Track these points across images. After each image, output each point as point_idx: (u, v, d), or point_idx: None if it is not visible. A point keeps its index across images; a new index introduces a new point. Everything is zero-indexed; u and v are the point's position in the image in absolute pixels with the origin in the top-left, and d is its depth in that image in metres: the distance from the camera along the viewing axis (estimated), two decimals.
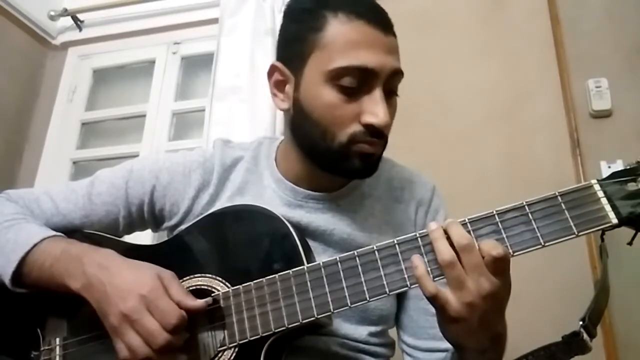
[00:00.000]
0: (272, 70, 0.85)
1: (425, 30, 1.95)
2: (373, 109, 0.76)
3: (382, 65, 0.76)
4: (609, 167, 1.62)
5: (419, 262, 0.66)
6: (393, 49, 0.79)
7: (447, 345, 0.85)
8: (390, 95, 0.80)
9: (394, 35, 0.80)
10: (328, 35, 0.77)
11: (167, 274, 0.74)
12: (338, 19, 0.77)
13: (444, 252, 0.64)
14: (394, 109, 0.82)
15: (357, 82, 0.76)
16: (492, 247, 0.62)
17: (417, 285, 0.67)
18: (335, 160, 0.80)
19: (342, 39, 0.76)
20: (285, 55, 0.84)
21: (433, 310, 0.87)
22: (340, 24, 0.77)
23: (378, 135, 0.78)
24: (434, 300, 0.65)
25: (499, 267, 0.62)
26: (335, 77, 0.76)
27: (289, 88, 0.83)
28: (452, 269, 0.63)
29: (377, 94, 0.76)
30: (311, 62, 0.79)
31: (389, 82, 0.78)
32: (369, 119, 0.76)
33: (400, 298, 0.91)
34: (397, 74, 0.79)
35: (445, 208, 0.94)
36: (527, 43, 1.87)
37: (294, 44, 0.81)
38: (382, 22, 0.78)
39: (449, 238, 0.65)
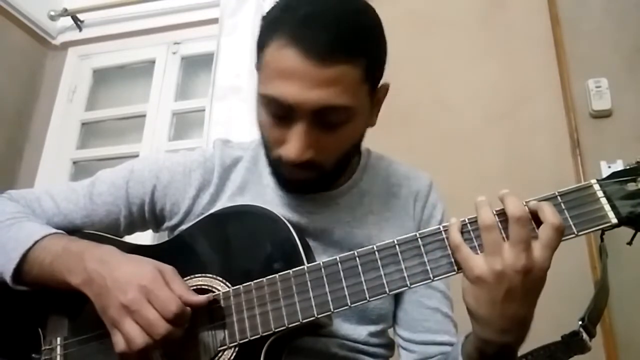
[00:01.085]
0: None
1: (425, 30, 1.95)
2: (288, 142, 0.74)
3: (301, 101, 0.71)
4: (609, 167, 1.62)
5: (455, 220, 0.67)
6: (327, 82, 0.71)
7: (442, 338, 0.86)
8: (329, 127, 0.75)
9: (337, 65, 0.71)
10: (265, 58, 0.75)
11: (168, 269, 0.74)
12: (275, 42, 0.73)
13: (486, 217, 0.64)
14: (336, 139, 0.77)
15: (280, 111, 0.75)
16: (552, 215, 0.63)
17: (417, 285, 0.67)
18: (275, 172, 0.83)
19: (270, 66, 0.74)
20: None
21: (428, 303, 0.88)
22: (274, 50, 0.73)
23: (299, 165, 0.76)
24: (457, 253, 0.65)
25: (552, 238, 0.62)
26: (263, 101, 0.76)
27: None
28: (490, 232, 0.63)
29: (297, 128, 0.73)
30: (258, 78, 0.79)
31: (321, 116, 0.73)
32: (282, 151, 0.76)
33: (398, 294, 0.90)
34: (331, 110, 0.73)
35: (443, 203, 0.94)
36: (527, 43, 1.87)
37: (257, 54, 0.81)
38: (319, 52, 0.70)
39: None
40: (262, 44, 0.76)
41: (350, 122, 0.76)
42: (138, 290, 0.69)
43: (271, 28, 0.75)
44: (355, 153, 0.86)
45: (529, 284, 0.63)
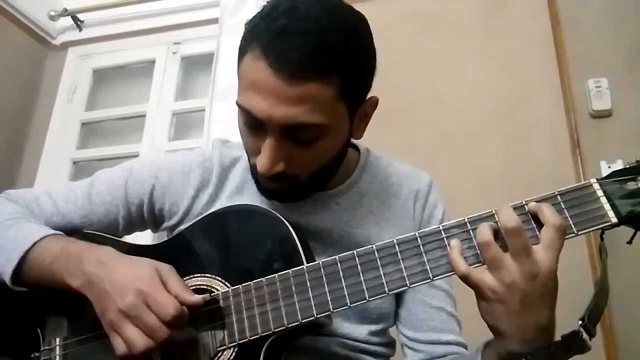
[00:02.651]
0: None
1: (425, 30, 1.95)
2: (261, 154, 0.74)
3: (270, 116, 0.71)
4: (609, 167, 1.62)
5: (455, 243, 0.66)
6: (296, 99, 0.69)
7: (447, 337, 0.85)
8: (302, 142, 0.74)
9: (307, 83, 0.69)
10: (241, 66, 0.75)
11: (165, 268, 0.74)
12: (251, 53, 0.72)
13: (482, 234, 0.64)
14: (310, 154, 0.76)
15: (253, 123, 0.74)
16: (553, 216, 0.63)
17: (416, 284, 0.67)
18: (255, 179, 0.82)
19: (244, 77, 0.73)
20: None
21: (432, 302, 0.88)
22: (249, 60, 0.72)
23: (270, 177, 0.76)
24: (467, 280, 0.65)
25: (554, 238, 0.62)
26: (239, 110, 0.76)
27: None
28: (487, 250, 0.63)
29: (268, 142, 0.73)
30: (238, 85, 0.78)
31: (291, 132, 0.73)
32: (256, 161, 0.75)
33: (399, 293, 0.90)
34: (301, 127, 0.72)
35: (443, 202, 0.94)
36: (527, 43, 1.87)
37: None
38: (290, 69, 0.68)
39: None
40: (241, 52, 0.75)
41: (324, 138, 0.75)
42: (136, 294, 0.69)
43: (249, 37, 0.74)
44: (337, 165, 0.85)
45: (540, 288, 0.63)
